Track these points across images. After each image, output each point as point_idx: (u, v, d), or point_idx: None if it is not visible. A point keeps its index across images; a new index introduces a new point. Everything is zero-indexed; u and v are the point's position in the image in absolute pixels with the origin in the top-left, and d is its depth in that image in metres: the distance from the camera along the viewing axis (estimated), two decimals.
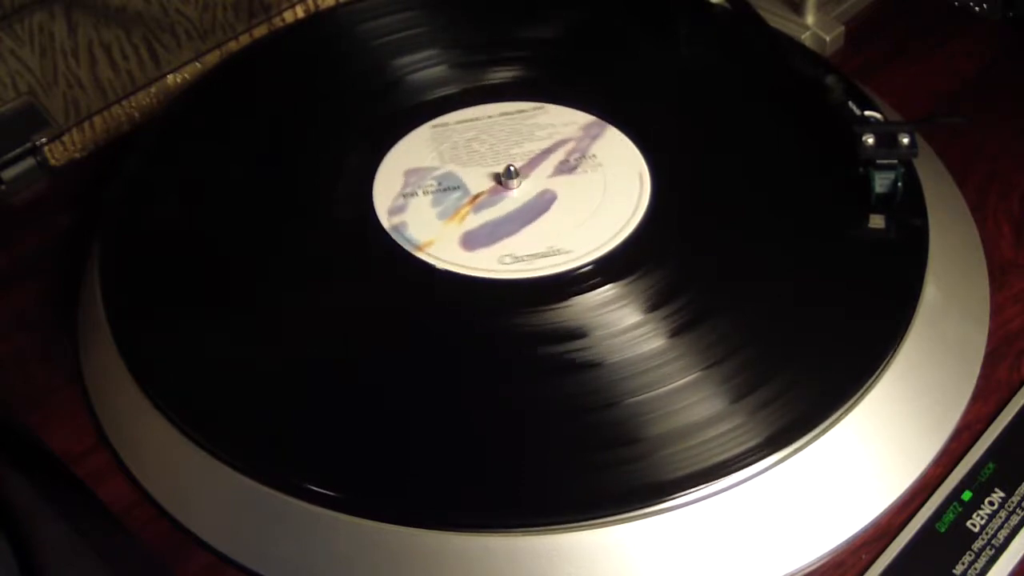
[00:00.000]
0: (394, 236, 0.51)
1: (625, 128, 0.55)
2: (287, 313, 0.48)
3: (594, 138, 0.55)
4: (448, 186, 0.53)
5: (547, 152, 0.55)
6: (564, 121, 0.56)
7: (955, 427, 0.46)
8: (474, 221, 0.52)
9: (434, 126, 0.56)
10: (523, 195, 0.53)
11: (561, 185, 0.53)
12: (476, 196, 0.53)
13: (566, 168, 0.54)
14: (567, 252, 0.49)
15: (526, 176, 0.53)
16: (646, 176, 0.53)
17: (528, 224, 0.51)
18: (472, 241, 0.51)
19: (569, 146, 0.55)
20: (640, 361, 0.45)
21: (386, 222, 0.51)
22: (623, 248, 0.50)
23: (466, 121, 0.56)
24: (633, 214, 0.51)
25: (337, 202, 0.53)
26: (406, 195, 0.53)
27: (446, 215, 0.52)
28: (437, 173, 0.54)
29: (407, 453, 0.43)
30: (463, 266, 0.49)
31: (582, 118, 0.56)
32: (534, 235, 0.51)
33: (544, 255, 0.49)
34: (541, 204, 0.52)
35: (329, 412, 0.44)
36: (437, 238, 0.51)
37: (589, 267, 0.49)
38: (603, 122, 0.56)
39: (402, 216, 0.52)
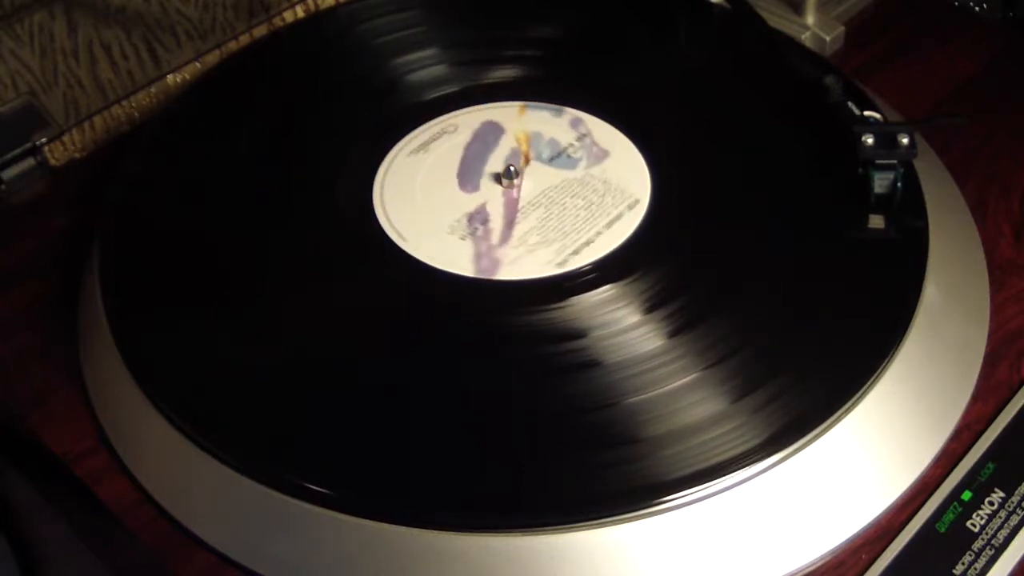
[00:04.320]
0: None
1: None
2: (287, 313, 0.48)
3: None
4: None
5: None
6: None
7: (955, 427, 0.46)
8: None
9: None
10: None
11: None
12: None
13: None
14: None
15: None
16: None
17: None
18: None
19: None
20: (640, 361, 0.45)
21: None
22: (622, 248, 0.50)
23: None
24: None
25: (337, 202, 0.53)
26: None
27: None
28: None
29: (407, 453, 0.43)
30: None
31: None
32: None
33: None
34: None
35: (329, 412, 0.44)
36: None
37: (588, 267, 0.49)
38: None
39: None
